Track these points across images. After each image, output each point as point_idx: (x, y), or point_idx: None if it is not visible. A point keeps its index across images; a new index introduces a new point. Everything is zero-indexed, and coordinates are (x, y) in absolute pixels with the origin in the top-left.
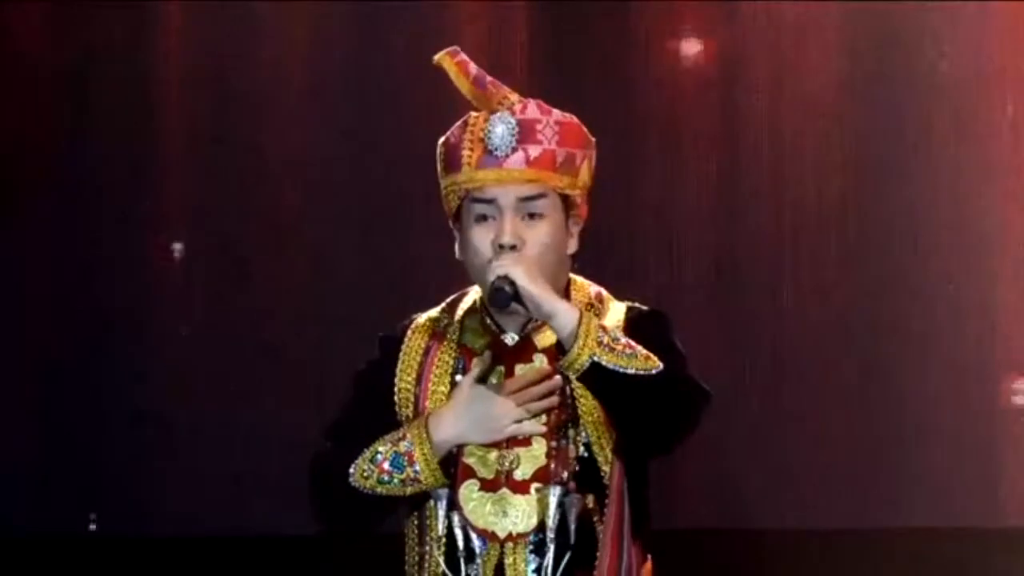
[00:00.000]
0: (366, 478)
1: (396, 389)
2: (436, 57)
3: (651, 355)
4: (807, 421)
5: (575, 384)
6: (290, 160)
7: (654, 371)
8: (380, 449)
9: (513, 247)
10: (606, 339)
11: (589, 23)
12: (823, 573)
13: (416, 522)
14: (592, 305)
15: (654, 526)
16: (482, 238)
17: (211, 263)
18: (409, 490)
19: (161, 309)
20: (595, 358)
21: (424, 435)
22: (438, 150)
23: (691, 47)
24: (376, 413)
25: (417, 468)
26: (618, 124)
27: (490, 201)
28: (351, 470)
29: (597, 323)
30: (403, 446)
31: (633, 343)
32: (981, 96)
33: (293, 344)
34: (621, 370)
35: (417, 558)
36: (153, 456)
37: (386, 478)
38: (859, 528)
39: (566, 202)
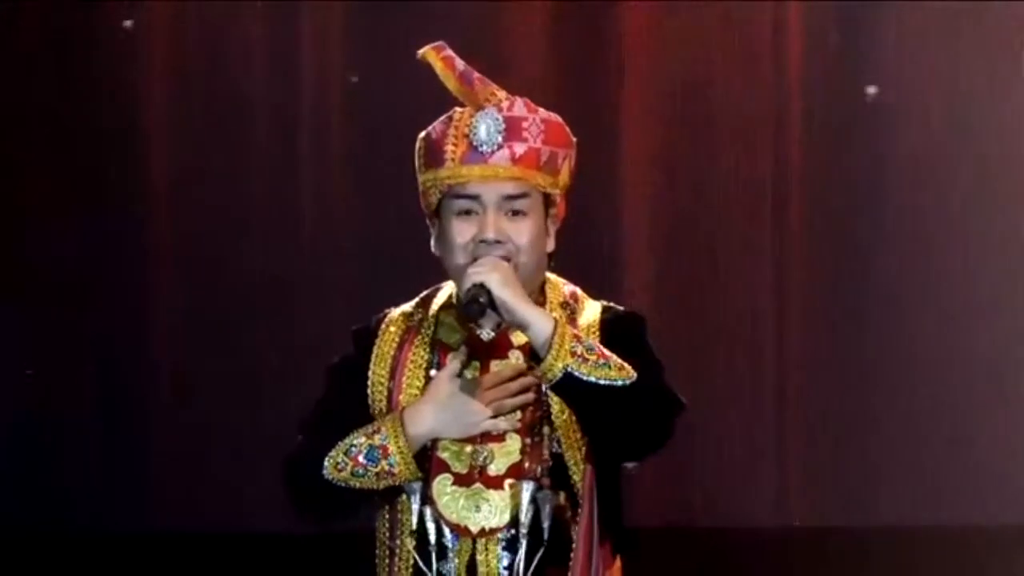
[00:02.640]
0: (340, 471)
1: (369, 383)
2: (421, 51)
3: (624, 365)
4: (803, 418)
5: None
6: (289, 159)
7: (627, 382)
8: (355, 442)
9: (497, 242)
10: (580, 349)
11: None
12: (820, 573)
13: (387, 517)
14: (567, 304)
15: (635, 524)
16: (464, 233)
17: (211, 262)
18: (383, 484)
19: (162, 308)
20: (568, 369)
21: (399, 429)
22: (418, 144)
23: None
24: (350, 406)
25: (392, 461)
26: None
27: (474, 197)
28: (324, 463)
29: (572, 332)
30: (378, 439)
31: (607, 352)
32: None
33: (295, 342)
34: (594, 381)
35: (388, 552)
36: (153, 454)
37: (360, 471)
38: (855, 526)
39: (547, 201)
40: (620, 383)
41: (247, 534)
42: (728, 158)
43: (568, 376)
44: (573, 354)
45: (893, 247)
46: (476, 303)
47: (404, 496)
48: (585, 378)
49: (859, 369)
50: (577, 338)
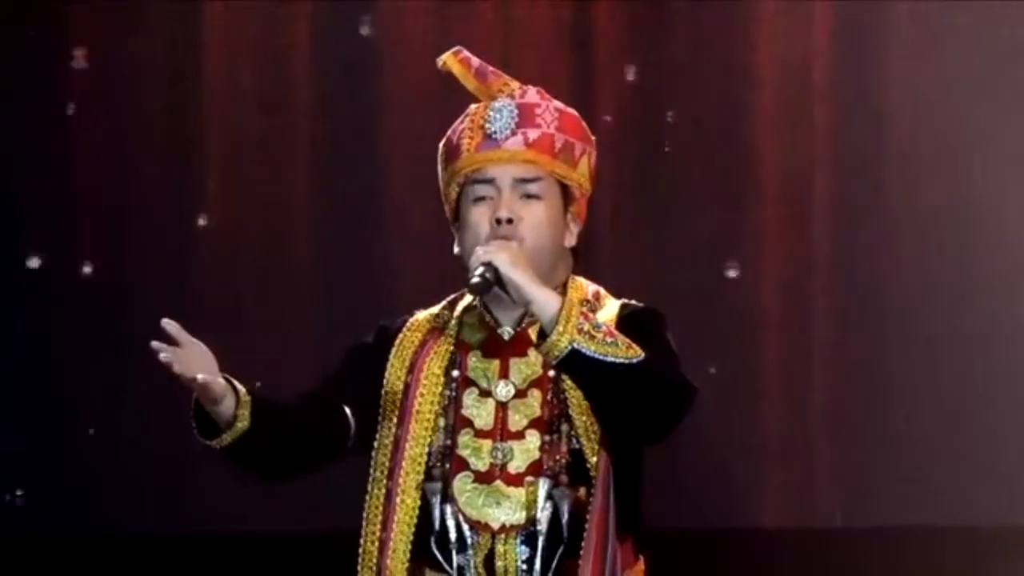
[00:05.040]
0: None
1: (386, 378)
2: (441, 58)
3: (633, 345)
4: (811, 418)
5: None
6: (288, 159)
7: (635, 360)
8: None
9: (510, 221)
10: (586, 326)
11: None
12: (821, 573)
13: (384, 508)
14: (587, 301)
15: (659, 525)
16: (480, 217)
17: (208, 261)
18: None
19: (161, 308)
20: (574, 345)
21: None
22: (440, 151)
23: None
24: (348, 379)
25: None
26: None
27: (488, 181)
28: None
29: (579, 310)
30: None
31: (615, 332)
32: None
33: (293, 343)
34: (600, 358)
35: (379, 544)
36: (152, 454)
37: None
38: (860, 527)
39: (565, 193)
40: (627, 361)
41: (246, 535)
42: (734, 148)
43: (574, 352)
44: (580, 331)
45: (908, 243)
46: (481, 279)
47: (414, 491)
48: (591, 354)
49: (863, 371)
50: (584, 316)
